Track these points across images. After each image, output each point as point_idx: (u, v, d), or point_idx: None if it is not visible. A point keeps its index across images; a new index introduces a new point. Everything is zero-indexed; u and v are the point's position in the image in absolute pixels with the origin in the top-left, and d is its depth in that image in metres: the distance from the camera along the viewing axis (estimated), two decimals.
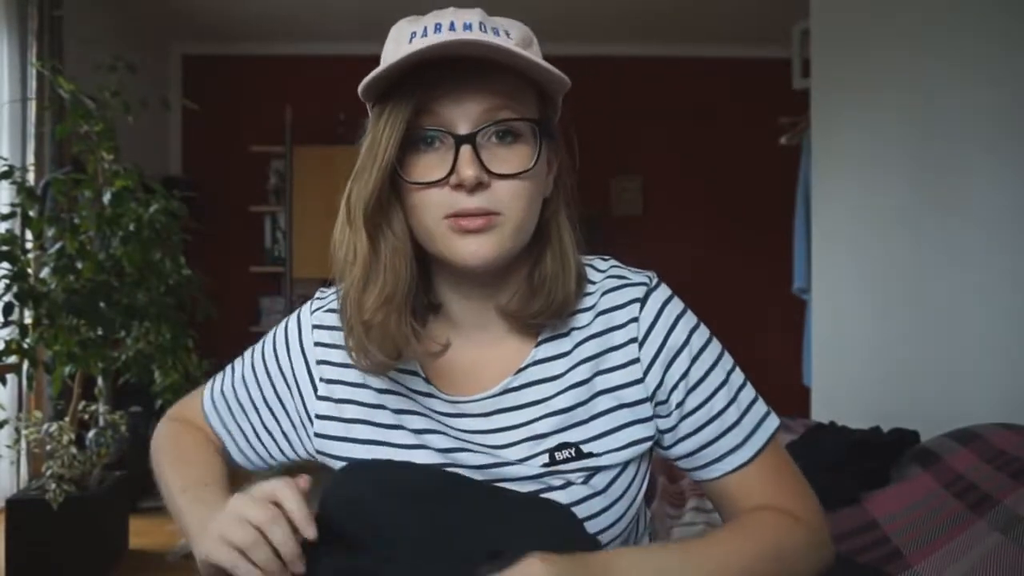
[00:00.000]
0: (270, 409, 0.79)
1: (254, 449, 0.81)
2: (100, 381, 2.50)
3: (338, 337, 0.75)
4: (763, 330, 4.33)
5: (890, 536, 1.28)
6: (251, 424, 0.81)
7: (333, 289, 0.79)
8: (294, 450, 0.80)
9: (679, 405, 0.73)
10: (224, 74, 4.60)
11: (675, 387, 0.73)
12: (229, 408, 0.82)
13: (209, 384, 0.85)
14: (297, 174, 4.16)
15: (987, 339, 1.74)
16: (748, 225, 4.55)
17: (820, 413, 2.58)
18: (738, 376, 0.76)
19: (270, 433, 0.80)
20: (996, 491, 1.21)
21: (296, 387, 0.78)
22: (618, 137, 4.43)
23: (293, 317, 0.81)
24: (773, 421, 0.76)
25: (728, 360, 0.76)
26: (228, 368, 0.84)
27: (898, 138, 2.15)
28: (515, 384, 0.74)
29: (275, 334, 0.81)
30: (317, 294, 0.82)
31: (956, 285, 1.86)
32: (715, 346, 0.76)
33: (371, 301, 0.68)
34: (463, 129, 0.66)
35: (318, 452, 0.77)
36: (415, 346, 0.70)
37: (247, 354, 0.83)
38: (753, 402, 0.76)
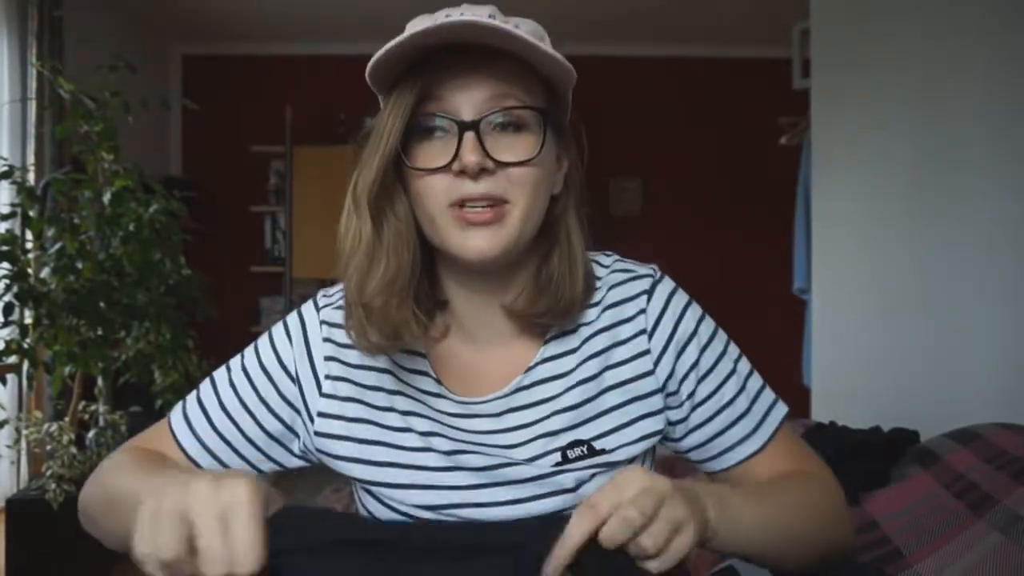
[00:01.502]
0: (267, 408, 0.75)
1: (239, 456, 0.76)
2: (100, 381, 2.49)
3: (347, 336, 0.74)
4: (763, 330, 4.32)
5: (890, 536, 1.28)
6: (239, 429, 0.75)
7: (339, 287, 0.78)
8: (282, 457, 0.77)
9: (690, 395, 0.74)
10: (224, 74, 4.60)
11: (685, 377, 0.74)
12: (209, 418, 0.76)
13: (177, 407, 0.79)
14: (297, 174, 4.16)
15: (987, 339, 1.74)
16: (748, 225, 4.55)
17: (820, 413, 2.58)
18: (745, 364, 0.77)
19: (261, 435, 0.75)
20: (996, 491, 1.21)
21: (298, 383, 0.75)
22: (618, 137, 4.43)
23: (293, 315, 0.79)
24: (781, 408, 0.77)
25: (735, 349, 0.77)
26: (204, 383, 0.79)
27: (898, 138, 2.15)
28: (525, 383, 0.73)
29: (272, 334, 0.78)
30: (321, 292, 0.80)
31: (956, 285, 1.86)
32: (722, 335, 0.77)
33: (373, 284, 0.68)
34: (467, 116, 0.65)
35: (318, 451, 0.75)
36: (415, 330, 0.69)
37: (233, 362, 0.79)
38: (761, 390, 0.77)
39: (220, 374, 0.79)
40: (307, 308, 0.78)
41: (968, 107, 1.82)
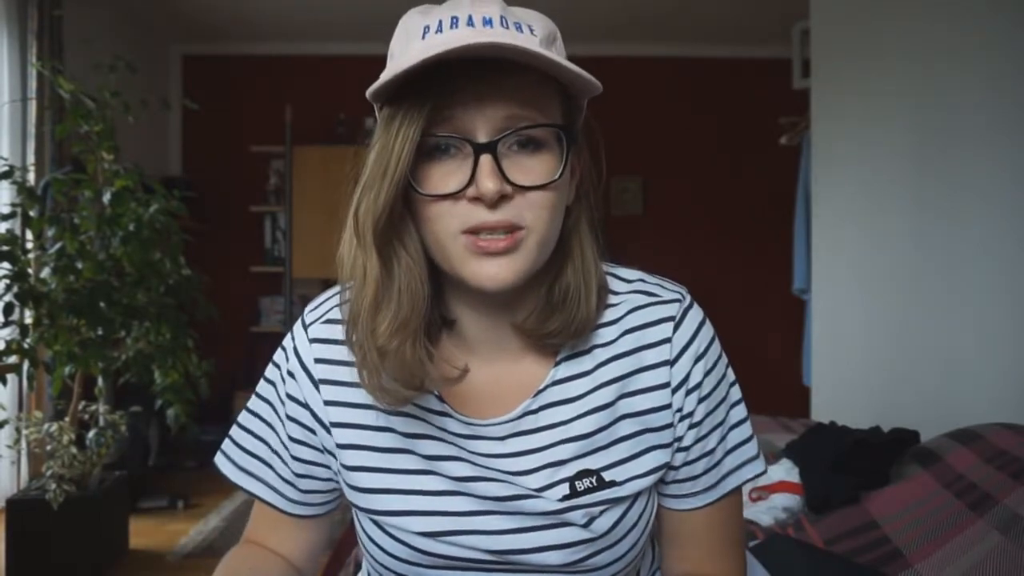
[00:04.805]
0: (304, 445, 0.73)
1: (307, 492, 0.75)
2: (100, 381, 2.50)
3: (339, 352, 0.69)
4: (763, 330, 4.33)
5: (890, 536, 1.28)
6: (292, 470, 0.74)
7: (325, 297, 0.73)
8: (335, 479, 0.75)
9: (678, 438, 0.70)
10: (224, 74, 4.60)
11: (687, 416, 0.69)
12: (270, 466, 0.75)
13: (252, 484, 0.76)
14: (297, 174, 4.16)
15: (987, 339, 1.74)
16: (748, 225, 4.55)
17: (820, 413, 2.58)
18: (738, 412, 0.72)
19: (314, 468, 0.74)
20: (996, 491, 1.21)
21: (314, 416, 0.72)
22: (618, 137, 4.43)
23: (287, 342, 0.74)
24: (752, 469, 0.73)
25: (736, 392, 0.73)
26: (237, 431, 0.76)
27: (898, 138, 2.15)
28: (533, 407, 0.69)
29: (273, 369, 0.74)
30: (308, 307, 0.74)
31: (955, 285, 1.86)
32: (729, 375, 0.72)
33: (384, 326, 0.62)
34: (482, 136, 0.59)
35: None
36: (432, 373, 0.63)
37: (254, 405, 0.76)
38: (741, 444, 0.72)
39: (250, 422, 0.76)
40: (296, 331, 0.73)
41: (968, 108, 1.82)
